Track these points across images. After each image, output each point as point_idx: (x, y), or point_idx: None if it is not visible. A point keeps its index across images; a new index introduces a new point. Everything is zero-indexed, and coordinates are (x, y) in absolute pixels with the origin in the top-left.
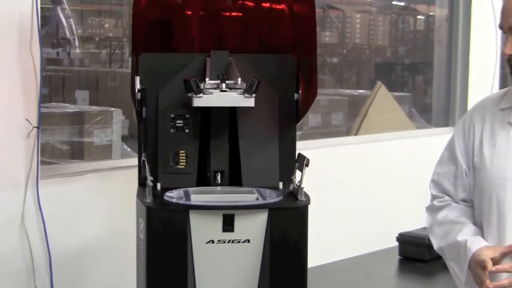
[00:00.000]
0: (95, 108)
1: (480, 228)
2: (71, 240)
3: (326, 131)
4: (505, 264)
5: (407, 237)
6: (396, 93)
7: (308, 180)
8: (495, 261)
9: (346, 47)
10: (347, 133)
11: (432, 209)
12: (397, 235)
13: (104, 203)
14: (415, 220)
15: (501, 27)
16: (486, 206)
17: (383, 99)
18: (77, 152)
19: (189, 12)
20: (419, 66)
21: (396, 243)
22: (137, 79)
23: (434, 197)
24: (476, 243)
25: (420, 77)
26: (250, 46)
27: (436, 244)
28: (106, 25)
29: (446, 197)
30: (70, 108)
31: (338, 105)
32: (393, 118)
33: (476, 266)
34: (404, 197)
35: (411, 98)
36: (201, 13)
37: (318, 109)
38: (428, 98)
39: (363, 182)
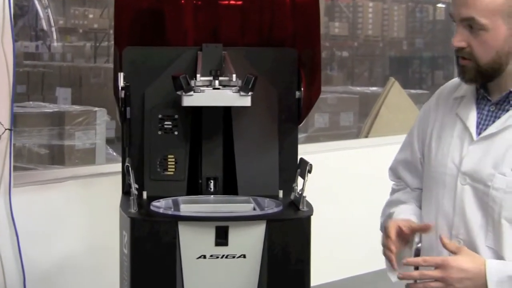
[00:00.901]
0: (76, 107)
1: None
2: (48, 255)
3: (334, 133)
4: (418, 258)
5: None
6: (413, 91)
7: (311, 188)
8: (403, 236)
9: (358, 40)
10: (358, 135)
11: (390, 192)
12: None
13: (85, 214)
14: None
15: (451, 15)
16: (426, 202)
17: (396, 97)
18: (57, 156)
19: (183, 1)
20: (439, 60)
21: None
22: (121, 75)
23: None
24: (401, 215)
25: (440, 72)
26: (250, 38)
27: (381, 223)
28: (91, 16)
29: (403, 182)
30: (49, 107)
31: (347, 104)
32: (408, 118)
33: (384, 234)
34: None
35: (430, 96)
36: (195, 1)
37: (325, 108)
38: None
39: (374, 190)
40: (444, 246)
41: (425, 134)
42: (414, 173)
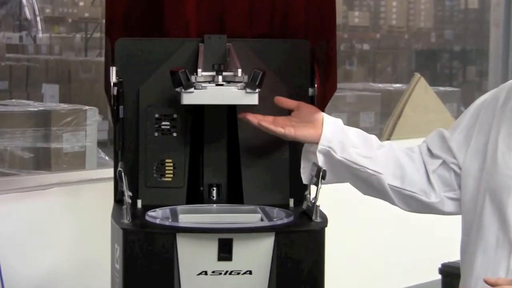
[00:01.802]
0: (65, 106)
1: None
2: (31, 272)
3: None
4: None
5: (452, 268)
6: (441, 88)
7: (326, 197)
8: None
9: (380, 31)
10: (379, 137)
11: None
12: (439, 265)
13: (73, 225)
14: None
15: None
16: (486, 211)
17: (422, 95)
18: (42, 160)
19: None
20: (472, 54)
21: (439, 276)
22: (113, 70)
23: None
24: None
25: (472, 67)
26: (259, 29)
27: None
28: (81, 3)
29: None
30: (34, 106)
31: (368, 103)
32: (436, 119)
33: None
34: (449, 218)
35: (461, 94)
36: None
37: (343, 107)
38: (483, 94)
39: None
40: (493, 285)
41: (490, 127)
42: (443, 146)
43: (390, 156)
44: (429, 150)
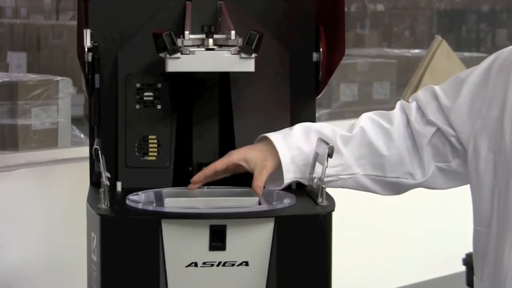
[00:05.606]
0: (33, 77)
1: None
2: None
3: (364, 108)
4: None
5: None
6: (466, 54)
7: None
8: None
9: None
10: None
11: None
12: (464, 256)
13: (43, 210)
14: None
15: None
16: (498, 199)
17: (444, 62)
18: (8, 139)
19: None
20: (502, 15)
21: (463, 268)
22: (87, 33)
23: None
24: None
25: (502, 30)
26: None
27: None
28: None
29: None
30: None
31: (383, 71)
32: None
33: None
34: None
35: None
36: None
37: (353, 76)
38: None
39: None
40: None
41: (504, 99)
42: (440, 112)
43: (363, 145)
44: (419, 110)
